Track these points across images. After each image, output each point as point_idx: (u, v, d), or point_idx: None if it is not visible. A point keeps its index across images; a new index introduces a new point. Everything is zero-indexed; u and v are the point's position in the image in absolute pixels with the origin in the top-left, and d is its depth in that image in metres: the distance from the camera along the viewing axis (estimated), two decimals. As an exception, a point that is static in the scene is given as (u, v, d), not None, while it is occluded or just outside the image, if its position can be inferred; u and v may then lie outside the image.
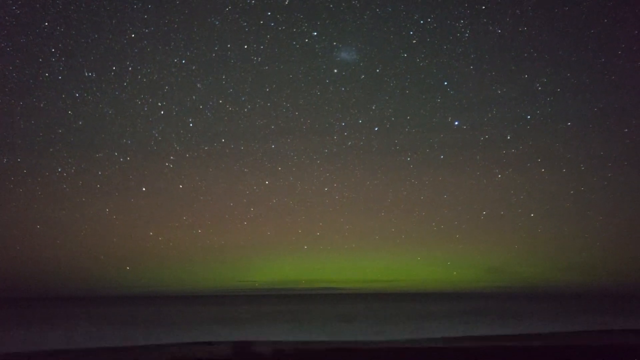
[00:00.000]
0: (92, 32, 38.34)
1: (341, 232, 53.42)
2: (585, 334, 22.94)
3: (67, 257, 51.71)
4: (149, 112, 41.36)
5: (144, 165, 44.58)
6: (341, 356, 15.75)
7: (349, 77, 41.92)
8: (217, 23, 37.83)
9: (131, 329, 30.02)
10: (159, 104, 40.74)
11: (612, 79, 38.96)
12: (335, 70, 41.01)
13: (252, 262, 59.94)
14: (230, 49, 39.32)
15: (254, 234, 52.45)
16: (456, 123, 42.11)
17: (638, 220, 51.23)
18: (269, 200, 47.62)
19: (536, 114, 41.33)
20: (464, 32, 38.12)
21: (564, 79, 40.28)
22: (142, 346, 19.99)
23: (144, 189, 45.07)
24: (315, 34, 38.47)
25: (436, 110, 42.84)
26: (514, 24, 37.63)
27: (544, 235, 55.69)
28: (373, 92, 43.35)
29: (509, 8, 36.91)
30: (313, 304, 71.59)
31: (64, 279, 54.18)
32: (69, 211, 46.52)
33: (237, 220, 48.80)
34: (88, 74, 39.48)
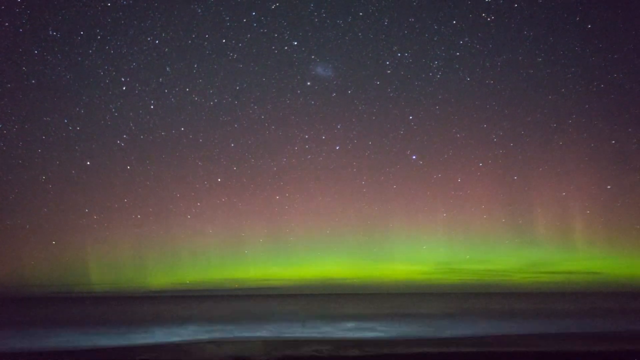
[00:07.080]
0: (66, -9, 36.52)
1: (285, 243, 52.12)
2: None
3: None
4: (109, 85, 39.12)
5: (93, 139, 41.15)
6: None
7: (321, 92, 41.59)
8: (199, 11, 36.94)
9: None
10: (122, 79, 38.69)
11: (560, 144, 41.63)
12: (309, 83, 41.00)
13: (188, 258, 57.42)
14: (207, 39, 38.39)
15: (195, 229, 50.22)
16: (414, 157, 43.40)
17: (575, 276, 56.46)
18: (217, 198, 45.33)
19: (488, 163, 43.10)
20: (437, 72, 39.72)
21: (519, 135, 42.30)
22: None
23: (88, 162, 41.73)
24: (295, 43, 38.72)
25: (397, 142, 43.39)
26: (482, 75, 39.70)
27: (477, 278, 60.90)
28: (341, 112, 43.02)
29: (480, 59, 39.04)
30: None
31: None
32: (1, 172, 42.35)
33: (180, 213, 45.84)
34: (52, 32, 36.84)
